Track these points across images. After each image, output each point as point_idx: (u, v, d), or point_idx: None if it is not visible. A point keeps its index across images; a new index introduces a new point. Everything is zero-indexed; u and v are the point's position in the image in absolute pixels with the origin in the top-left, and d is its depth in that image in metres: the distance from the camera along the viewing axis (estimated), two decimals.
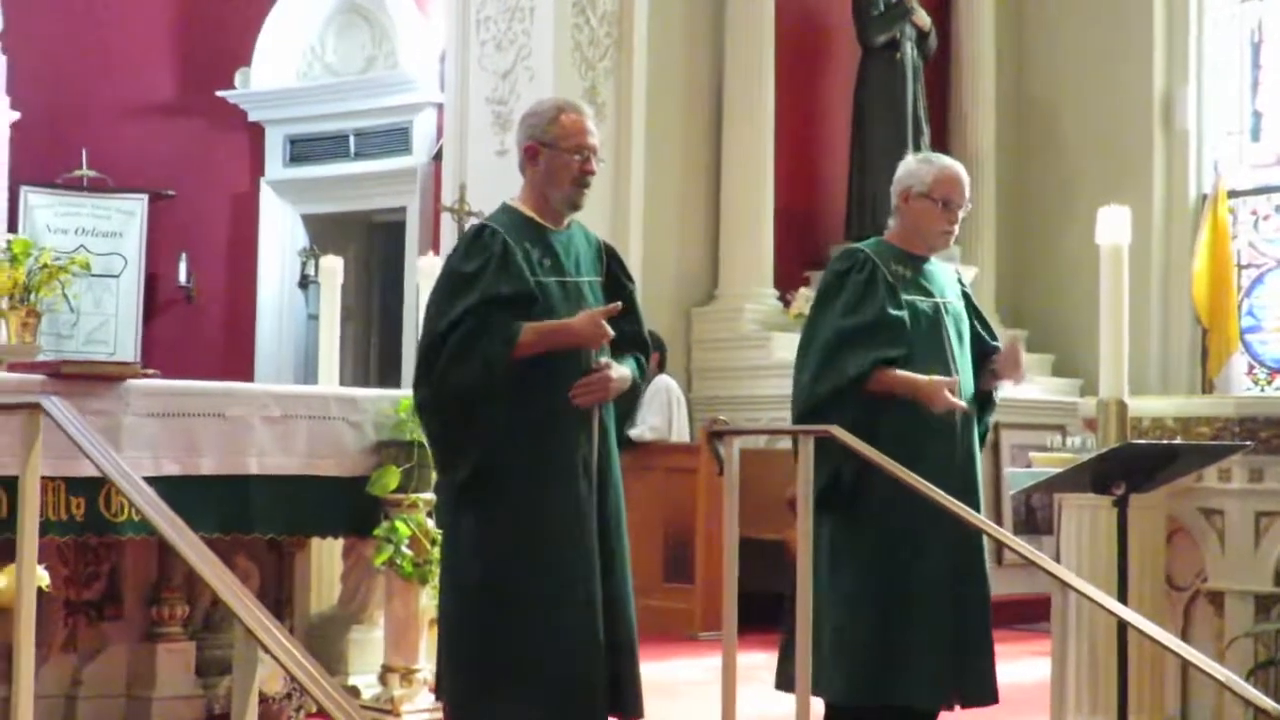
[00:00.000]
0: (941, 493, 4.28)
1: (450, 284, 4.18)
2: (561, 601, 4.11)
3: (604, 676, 4.14)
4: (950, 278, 4.97)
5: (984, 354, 4.95)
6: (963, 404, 4.72)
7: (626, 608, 4.25)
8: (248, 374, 11.87)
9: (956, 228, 4.90)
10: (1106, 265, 5.09)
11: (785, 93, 10.55)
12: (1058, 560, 5.16)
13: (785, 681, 4.68)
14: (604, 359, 4.24)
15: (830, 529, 4.66)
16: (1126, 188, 10.21)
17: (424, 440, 5.54)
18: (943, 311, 4.84)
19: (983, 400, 4.94)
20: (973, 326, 4.95)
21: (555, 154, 4.27)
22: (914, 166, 4.94)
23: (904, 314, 4.73)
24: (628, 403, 4.40)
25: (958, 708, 4.74)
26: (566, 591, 4.12)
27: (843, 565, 4.66)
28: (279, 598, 5.78)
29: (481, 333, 4.08)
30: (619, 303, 4.23)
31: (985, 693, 4.75)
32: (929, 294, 4.81)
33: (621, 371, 4.26)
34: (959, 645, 4.67)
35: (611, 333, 4.18)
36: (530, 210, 4.30)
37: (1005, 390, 5.10)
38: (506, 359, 4.07)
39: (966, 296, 4.99)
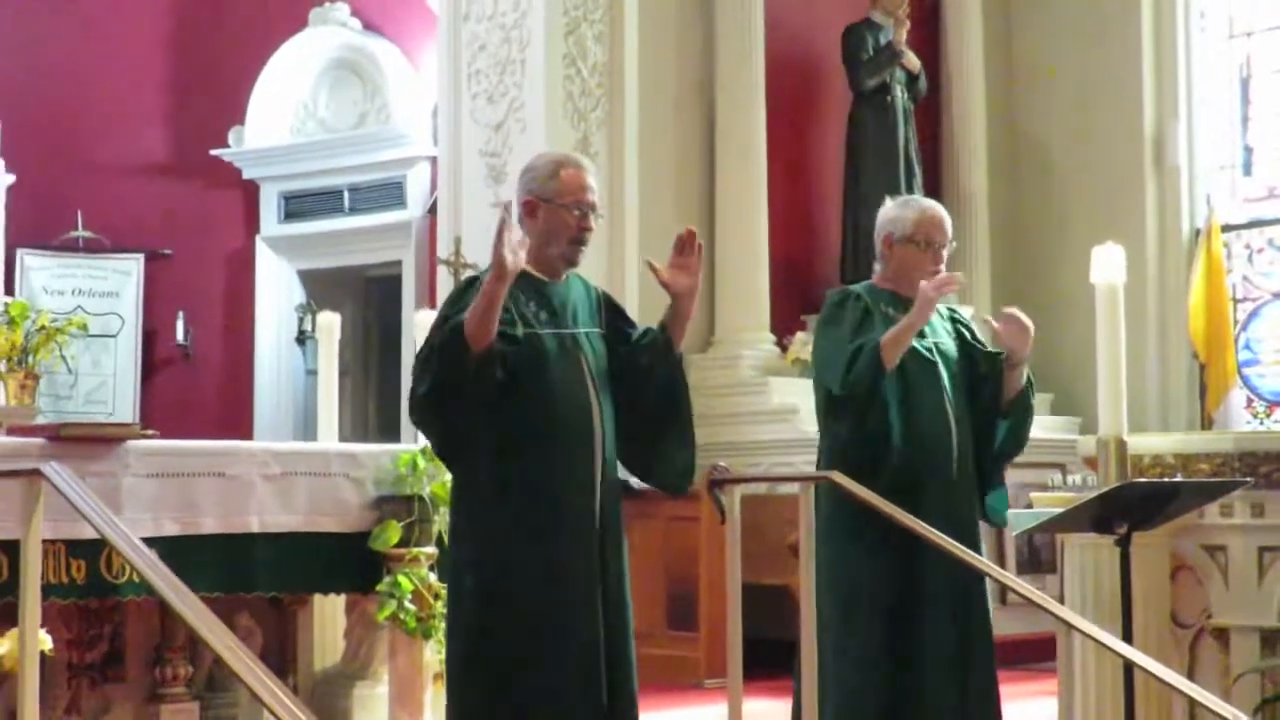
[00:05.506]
0: (945, 537, 4.28)
1: (435, 326, 4.14)
2: (562, 655, 4.09)
3: None
4: (939, 319, 4.96)
5: (995, 365, 4.91)
6: (957, 276, 4.72)
7: (628, 661, 4.22)
8: (247, 430, 11.87)
9: (944, 267, 4.89)
10: (1102, 304, 5.11)
11: (778, 139, 10.58)
12: (1061, 600, 5.14)
13: None
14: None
15: (831, 581, 4.62)
16: (1120, 225, 10.21)
17: (423, 495, 5.56)
18: (935, 353, 4.84)
19: (1012, 405, 4.90)
20: (974, 350, 4.95)
21: (554, 210, 4.24)
22: (894, 212, 4.92)
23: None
24: (665, 376, 4.28)
25: None
26: (566, 645, 4.09)
27: (847, 621, 4.63)
28: (282, 656, 5.77)
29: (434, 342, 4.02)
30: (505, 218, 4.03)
31: None
32: (921, 334, 4.81)
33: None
34: (968, 694, 4.65)
35: (517, 257, 4.01)
36: (527, 264, 4.29)
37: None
38: (461, 345, 3.94)
39: (958, 324, 4.98)
